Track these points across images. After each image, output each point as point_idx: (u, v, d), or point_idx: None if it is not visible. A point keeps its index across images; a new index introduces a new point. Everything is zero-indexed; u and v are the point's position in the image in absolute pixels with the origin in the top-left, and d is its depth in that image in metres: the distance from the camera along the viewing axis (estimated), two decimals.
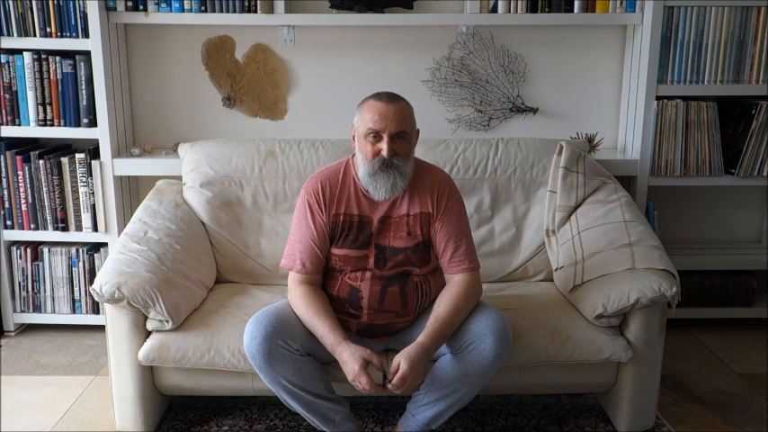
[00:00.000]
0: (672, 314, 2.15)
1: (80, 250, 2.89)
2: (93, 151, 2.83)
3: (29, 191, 2.84)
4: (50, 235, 2.88)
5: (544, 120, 3.02)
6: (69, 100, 2.76)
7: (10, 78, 2.75)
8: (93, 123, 2.78)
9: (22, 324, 3.00)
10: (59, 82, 2.75)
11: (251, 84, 2.96)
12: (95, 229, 2.86)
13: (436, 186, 2.05)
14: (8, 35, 2.71)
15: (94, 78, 2.73)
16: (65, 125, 2.79)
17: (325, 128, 2.94)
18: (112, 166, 2.80)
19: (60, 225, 2.86)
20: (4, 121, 2.78)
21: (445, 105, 3.00)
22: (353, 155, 2.07)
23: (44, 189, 2.84)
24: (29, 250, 2.90)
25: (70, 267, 2.90)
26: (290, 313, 1.99)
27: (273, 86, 2.97)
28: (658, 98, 2.81)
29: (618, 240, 2.31)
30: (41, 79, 2.74)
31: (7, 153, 2.81)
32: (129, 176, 2.93)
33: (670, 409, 2.41)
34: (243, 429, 2.28)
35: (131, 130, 3.00)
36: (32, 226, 2.87)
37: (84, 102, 2.76)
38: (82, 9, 2.68)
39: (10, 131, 2.79)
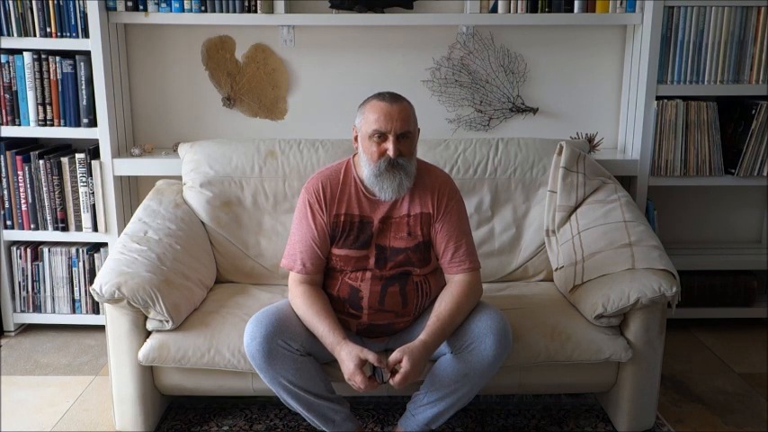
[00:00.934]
0: (672, 314, 2.15)
1: (80, 250, 2.89)
2: (93, 151, 2.83)
3: (29, 191, 2.84)
4: (50, 235, 2.88)
5: (544, 120, 3.02)
6: (69, 100, 2.76)
7: (10, 78, 2.75)
8: (93, 123, 2.78)
9: (22, 324, 3.00)
10: (59, 82, 2.75)
11: (251, 84, 2.96)
12: (95, 229, 2.86)
13: (437, 187, 2.05)
14: (8, 35, 2.71)
15: (94, 78, 2.73)
16: (65, 125, 2.79)
17: (325, 128, 2.94)
18: (112, 166, 2.80)
19: (60, 225, 2.86)
20: (4, 121, 2.78)
21: (445, 105, 3.00)
22: (354, 155, 2.07)
23: (44, 189, 2.84)
24: (29, 250, 2.90)
25: (70, 267, 2.90)
26: (290, 313, 1.99)
27: (273, 86, 2.97)
28: (658, 98, 2.81)
29: (618, 240, 2.31)
30: (41, 79, 2.74)
31: (7, 153, 2.81)
32: (129, 176, 2.93)
33: (670, 409, 2.41)
34: (243, 429, 2.28)
35: (131, 130, 3.00)
36: (32, 226, 2.87)
37: (84, 102, 2.76)
38: (82, 9, 2.68)
39: (10, 131, 2.79)
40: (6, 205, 2.86)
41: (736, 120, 2.89)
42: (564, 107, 3.02)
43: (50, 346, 2.86)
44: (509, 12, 2.77)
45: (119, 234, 2.70)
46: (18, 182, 2.83)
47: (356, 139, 2.02)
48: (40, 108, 2.77)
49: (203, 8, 2.73)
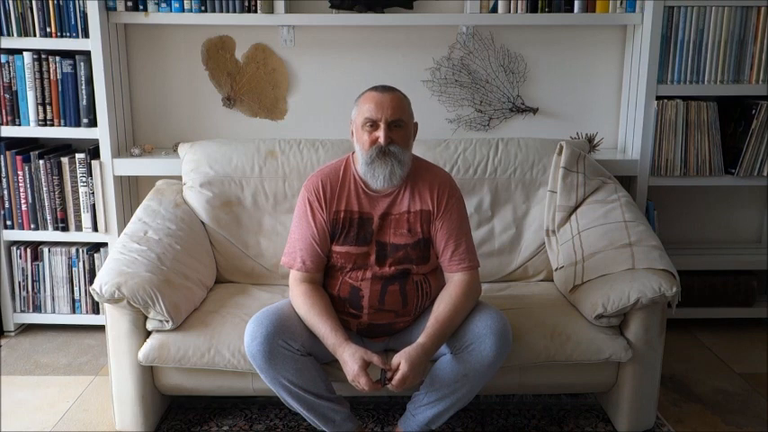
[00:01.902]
0: (672, 314, 2.15)
1: (80, 250, 2.89)
2: (93, 151, 2.83)
3: (29, 191, 2.84)
4: (50, 235, 2.88)
5: (544, 120, 3.02)
6: (69, 100, 2.76)
7: (10, 78, 2.75)
8: (93, 123, 2.78)
9: (22, 324, 3.00)
10: (59, 82, 2.75)
11: (251, 84, 2.96)
12: (95, 229, 2.86)
13: (437, 184, 2.05)
14: (8, 35, 2.71)
15: (94, 78, 2.73)
16: (65, 125, 2.79)
17: (325, 128, 2.94)
18: (112, 166, 2.80)
19: (60, 225, 2.86)
20: (4, 121, 2.78)
21: (445, 105, 3.00)
22: (353, 152, 2.08)
23: (44, 189, 2.84)
24: (29, 250, 2.90)
25: (70, 267, 2.90)
26: (290, 313, 1.99)
27: (273, 86, 2.97)
28: (658, 98, 2.81)
29: (618, 240, 2.31)
30: (41, 79, 2.74)
31: (7, 153, 2.81)
32: (129, 176, 2.93)
33: (670, 409, 2.41)
34: (243, 429, 2.28)
35: (131, 130, 3.00)
36: (32, 226, 2.87)
37: (84, 102, 2.76)
38: (82, 9, 2.68)
39: (10, 131, 2.79)
40: (6, 205, 2.86)
41: (736, 120, 2.89)
42: (564, 107, 3.02)
43: (50, 346, 2.86)
44: (509, 12, 2.77)
45: (119, 234, 2.70)
46: (18, 182, 2.83)
47: (353, 133, 2.03)
48: (40, 108, 2.77)
49: (203, 8, 2.73)
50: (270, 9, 2.76)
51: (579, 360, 2.11)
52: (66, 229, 2.87)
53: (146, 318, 2.12)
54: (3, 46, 2.72)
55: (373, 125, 1.95)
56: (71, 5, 2.68)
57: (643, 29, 2.77)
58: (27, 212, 2.86)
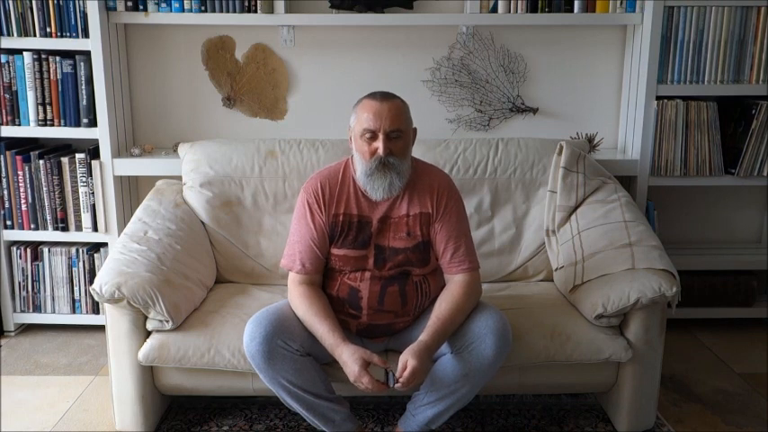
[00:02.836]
0: (672, 314, 2.15)
1: (80, 250, 2.89)
2: (93, 151, 2.83)
3: (29, 191, 2.84)
4: (50, 235, 2.88)
5: (544, 120, 3.02)
6: (69, 100, 2.76)
7: (10, 78, 2.75)
8: (93, 123, 2.78)
9: (22, 324, 3.00)
10: (59, 82, 2.75)
11: (251, 84, 2.96)
12: (95, 229, 2.86)
13: (435, 186, 2.05)
14: (8, 35, 2.71)
15: (94, 78, 2.73)
16: (65, 125, 2.79)
17: (325, 128, 2.94)
18: (112, 166, 2.80)
19: (60, 225, 2.86)
20: (4, 121, 2.78)
21: (445, 105, 3.00)
22: (352, 155, 2.07)
23: (44, 189, 2.84)
24: (29, 250, 2.90)
25: (70, 267, 2.90)
26: (289, 313, 1.99)
27: (273, 86, 2.97)
28: (658, 98, 2.81)
29: (618, 240, 2.31)
30: (41, 79, 2.74)
31: (7, 153, 2.81)
32: (129, 176, 2.93)
33: (670, 409, 2.41)
34: (243, 429, 2.28)
35: (131, 130, 3.00)
36: (32, 226, 2.87)
37: (84, 102, 2.76)
38: (82, 9, 2.68)
39: (10, 131, 2.79)
40: (6, 205, 2.86)
41: (736, 120, 2.89)
42: (564, 107, 3.02)
43: (50, 346, 2.86)
44: (509, 12, 2.77)
45: (119, 234, 2.70)
46: (18, 182, 2.83)
47: (351, 139, 2.03)
48: (40, 108, 2.77)
49: (203, 8, 2.73)
50: (270, 9, 2.76)
51: (579, 360, 2.11)
52: (66, 229, 2.87)
53: (146, 318, 2.12)
54: (3, 46, 2.72)
55: (372, 136, 1.94)
56: (71, 5, 2.68)
57: (643, 29, 2.77)
58: (27, 212, 2.86)
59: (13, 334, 2.96)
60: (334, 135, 2.73)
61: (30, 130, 2.79)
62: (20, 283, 2.93)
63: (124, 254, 2.22)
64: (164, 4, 2.73)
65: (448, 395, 1.96)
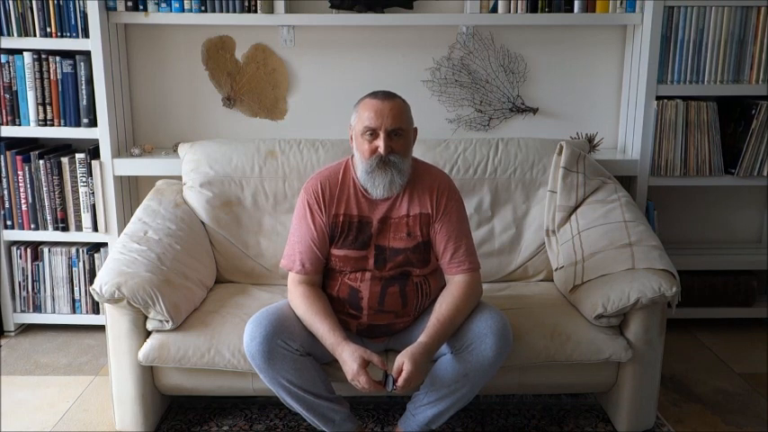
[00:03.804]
0: (672, 314, 2.15)
1: (80, 250, 2.89)
2: (93, 151, 2.83)
3: (29, 191, 2.84)
4: (50, 235, 2.88)
5: (544, 120, 3.02)
6: (69, 100, 2.76)
7: (10, 78, 2.75)
8: (93, 123, 2.78)
9: (22, 324, 3.00)
10: (59, 82, 2.75)
11: (251, 84, 2.96)
12: (95, 229, 2.86)
13: (435, 187, 2.05)
14: (8, 35, 2.71)
15: (94, 78, 2.73)
16: (65, 125, 2.79)
17: (325, 128, 2.94)
18: (112, 166, 2.80)
19: (60, 225, 2.86)
20: (4, 121, 2.78)
21: (445, 105, 3.00)
22: (352, 155, 2.07)
23: (44, 189, 2.84)
24: (29, 250, 2.90)
25: (70, 267, 2.90)
26: (289, 313, 1.99)
27: (273, 86, 2.97)
28: (658, 98, 2.81)
29: (618, 240, 2.31)
30: (41, 79, 2.74)
31: (7, 153, 2.81)
32: (129, 176, 2.93)
33: (670, 409, 2.41)
34: (243, 429, 2.28)
35: (131, 130, 3.00)
36: (32, 226, 2.87)
37: (84, 102, 2.76)
38: (82, 9, 2.68)
39: (10, 131, 2.79)
40: (6, 205, 2.86)
41: (736, 120, 2.89)
42: (564, 107, 3.02)
43: (50, 346, 2.86)
44: (509, 12, 2.77)
45: (119, 234, 2.70)
46: (18, 182, 2.83)
47: (352, 138, 2.03)
48: (40, 108, 2.77)
49: (203, 8, 2.73)
50: (270, 9, 2.76)
51: (579, 360, 2.11)
52: (66, 229, 2.87)
53: (146, 318, 2.12)
54: (3, 46, 2.72)
55: (373, 134, 1.95)
56: (71, 5, 2.68)
57: (643, 29, 2.77)
58: (27, 212, 2.86)
59: (13, 334, 2.96)
60: (335, 135, 2.73)
61: (30, 130, 2.79)
62: (20, 283, 2.93)
63: (124, 254, 2.22)
64: (164, 4, 2.73)
65: (448, 395, 1.96)
